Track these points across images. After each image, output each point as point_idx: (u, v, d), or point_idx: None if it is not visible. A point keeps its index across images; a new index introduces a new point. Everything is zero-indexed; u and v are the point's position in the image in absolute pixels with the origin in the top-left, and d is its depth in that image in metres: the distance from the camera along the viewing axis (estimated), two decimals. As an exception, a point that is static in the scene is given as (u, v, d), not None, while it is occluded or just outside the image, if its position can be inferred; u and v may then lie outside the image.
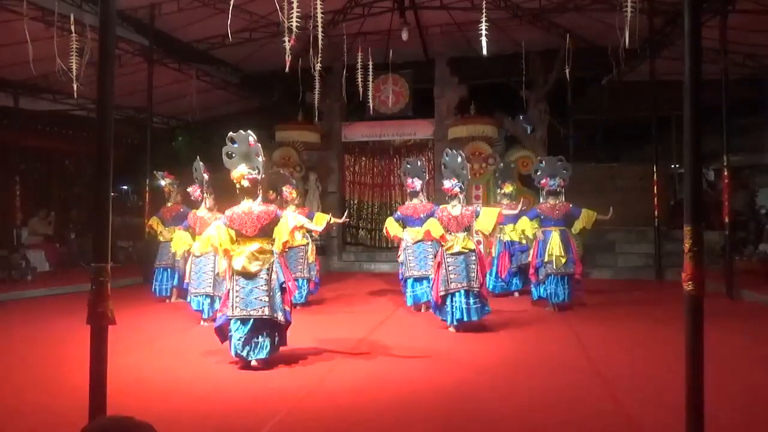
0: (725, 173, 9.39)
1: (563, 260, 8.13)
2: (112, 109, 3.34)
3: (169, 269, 9.42)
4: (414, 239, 8.37)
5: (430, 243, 8.34)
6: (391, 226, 8.70)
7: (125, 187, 19.24)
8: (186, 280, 7.86)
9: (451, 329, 6.96)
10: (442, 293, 6.94)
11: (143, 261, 11.31)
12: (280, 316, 5.42)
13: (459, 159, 7.26)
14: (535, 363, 5.63)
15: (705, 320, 3.03)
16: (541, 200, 8.69)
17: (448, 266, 6.93)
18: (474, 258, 6.98)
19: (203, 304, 7.48)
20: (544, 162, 8.70)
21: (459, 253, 6.94)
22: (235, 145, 5.63)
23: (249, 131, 5.66)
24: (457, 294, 6.88)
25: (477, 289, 6.90)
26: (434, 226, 7.17)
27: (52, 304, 9.08)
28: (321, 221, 8.18)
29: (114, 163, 3.24)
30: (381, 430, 4.01)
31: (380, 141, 14.76)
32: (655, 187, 11.73)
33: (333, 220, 8.55)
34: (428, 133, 14.36)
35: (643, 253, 12.42)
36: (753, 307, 8.59)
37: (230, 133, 5.67)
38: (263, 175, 5.64)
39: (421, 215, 8.28)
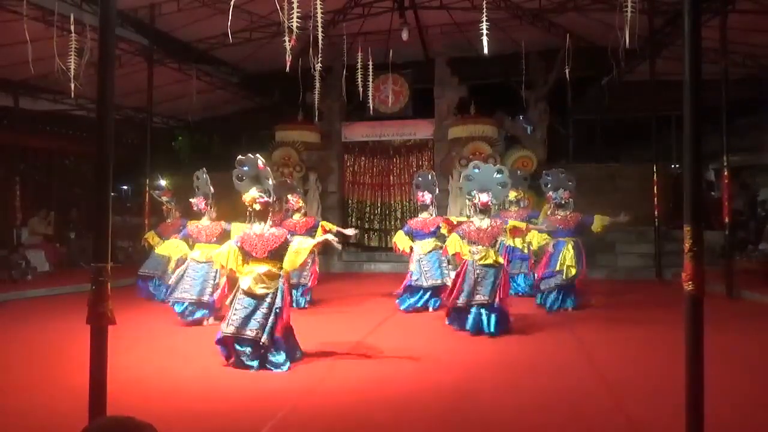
0: (725, 173, 9.40)
1: (573, 271, 8.14)
2: (112, 109, 3.35)
3: (155, 279, 9.50)
4: (425, 251, 8.54)
5: (440, 250, 8.49)
6: (399, 240, 8.81)
7: (125, 187, 19.26)
8: (171, 283, 7.74)
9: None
10: (462, 303, 6.72)
11: (143, 261, 11.30)
12: (265, 338, 5.30)
13: (496, 174, 6.97)
14: (536, 363, 5.62)
15: (705, 320, 3.03)
16: (550, 212, 8.73)
17: (478, 277, 6.72)
18: (501, 274, 6.83)
19: (187, 308, 7.49)
20: (550, 175, 8.70)
21: (491, 266, 6.75)
22: (245, 168, 5.61)
23: (258, 155, 5.66)
24: (475, 307, 6.73)
25: (498, 304, 6.73)
26: (452, 243, 7.10)
27: (52, 304, 9.08)
28: (328, 228, 8.84)
29: (114, 163, 3.24)
30: (381, 430, 4.01)
31: (380, 141, 14.77)
32: (655, 187, 11.73)
33: (339, 230, 8.91)
34: (428, 133, 14.37)
35: (643, 253, 12.42)
36: (753, 307, 8.59)
37: (239, 156, 5.67)
38: (274, 198, 5.65)
39: (431, 229, 8.54)
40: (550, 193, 8.59)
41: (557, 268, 8.19)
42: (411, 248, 8.69)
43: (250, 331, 5.30)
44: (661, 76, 11.85)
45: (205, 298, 7.47)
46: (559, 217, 8.44)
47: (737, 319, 7.47)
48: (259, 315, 5.35)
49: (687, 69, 3.06)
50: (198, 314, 7.54)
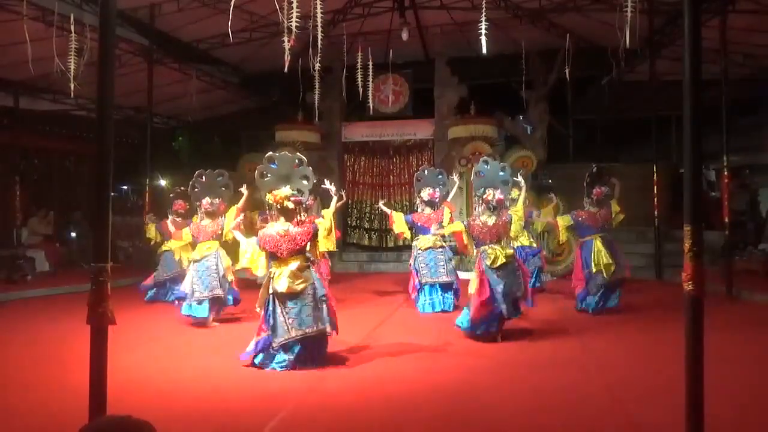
0: (725, 173, 9.39)
1: (612, 267, 7.86)
2: (112, 109, 3.35)
3: (178, 279, 9.42)
4: (423, 247, 8.54)
5: (440, 249, 8.49)
6: (398, 221, 8.82)
7: (125, 187, 19.25)
8: (184, 289, 7.63)
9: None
10: (499, 310, 6.36)
11: (143, 261, 11.31)
12: (329, 327, 5.38)
13: (502, 173, 6.75)
14: (536, 363, 5.62)
15: (705, 320, 3.03)
16: (587, 207, 8.25)
17: (497, 281, 6.34)
18: (517, 264, 6.63)
19: (210, 308, 7.42)
20: (595, 168, 8.35)
21: (505, 264, 6.42)
22: (274, 166, 5.47)
23: (298, 154, 5.57)
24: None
25: (519, 296, 6.51)
26: (455, 225, 6.96)
27: (52, 304, 9.08)
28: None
29: (114, 163, 3.24)
30: (381, 430, 4.01)
31: (380, 141, 14.77)
32: (655, 187, 11.72)
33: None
34: (428, 133, 14.37)
35: (643, 253, 12.42)
36: (753, 307, 8.58)
37: (270, 153, 5.54)
38: (309, 200, 5.60)
39: (434, 225, 8.50)
40: (599, 188, 8.10)
41: (594, 270, 7.86)
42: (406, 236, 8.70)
43: (309, 329, 5.28)
44: (661, 76, 11.84)
45: (217, 291, 7.41)
46: (589, 213, 8.08)
47: (737, 319, 7.47)
48: (308, 309, 5.31)
49: (687, 69, 3.05)
50: (205, 313, 7.40)
